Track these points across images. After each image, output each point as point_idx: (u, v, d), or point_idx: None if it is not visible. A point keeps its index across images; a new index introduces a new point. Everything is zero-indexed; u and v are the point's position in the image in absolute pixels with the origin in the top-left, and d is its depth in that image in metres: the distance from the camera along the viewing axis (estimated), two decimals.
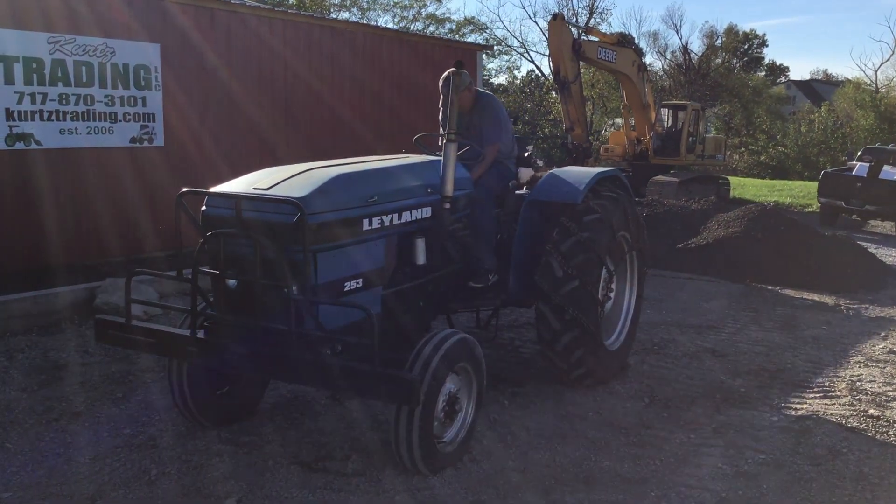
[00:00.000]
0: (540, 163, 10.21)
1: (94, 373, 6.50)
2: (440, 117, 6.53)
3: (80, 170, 9.38)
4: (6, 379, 6.29)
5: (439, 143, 5.86)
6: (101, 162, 9.57)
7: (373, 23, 46.68)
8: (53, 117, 9.03)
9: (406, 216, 5.32)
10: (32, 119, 8.82)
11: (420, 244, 5.55)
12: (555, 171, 6.58)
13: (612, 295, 6.77)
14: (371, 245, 5.05)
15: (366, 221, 4.93)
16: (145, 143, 10.02)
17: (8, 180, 8.73)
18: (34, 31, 8.76)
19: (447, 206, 5.57)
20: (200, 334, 4.78)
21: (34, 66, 8.77)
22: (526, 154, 7.10)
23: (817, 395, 6.37)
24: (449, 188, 5.53)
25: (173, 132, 10.30)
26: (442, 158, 5.60)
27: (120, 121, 9.74)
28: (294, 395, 6.04)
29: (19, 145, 8.74)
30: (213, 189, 4.86)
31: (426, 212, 5.53)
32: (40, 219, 9.03)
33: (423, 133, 6.87)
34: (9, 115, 8.60)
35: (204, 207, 4.83)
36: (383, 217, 5.08)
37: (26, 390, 6.06)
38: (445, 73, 6.02)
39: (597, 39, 21.52)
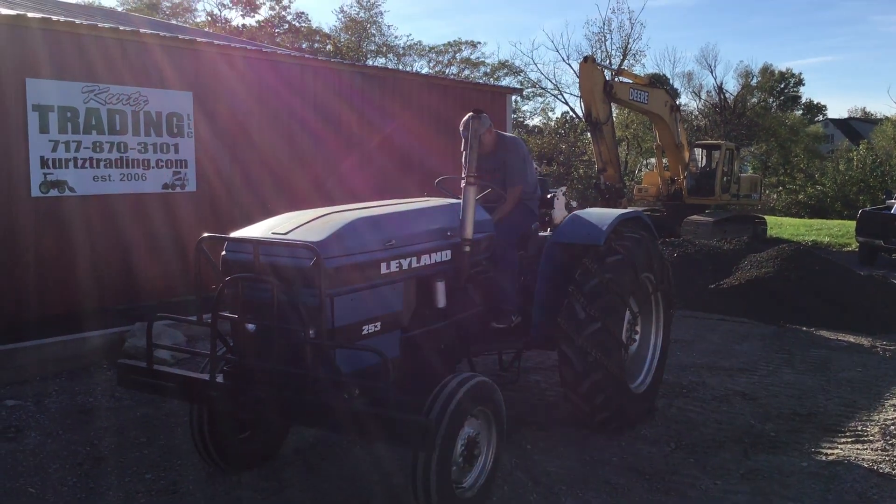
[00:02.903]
0: (574, 203, 10.18)
1: (120, 417, 6.55)
2: (462, 160, 6.56)
3: (113, 216, 9.54)
4: (33, 424, 6.36)
5: (460, 186, 5.87)
6: (135, 208, 9.74)
7: (408, 68, 47.31)
8: (87, 165, 9.22)
9: (425, 259, 5.33)
10: (67, 167, 9.01)
11: (440, 287, 5.54)
12: (577, 212, 6.57)
13: (637, 337, 6.70)
14: (389, 288, 5.05)
15: (384, 265, 4.94)
16: (177, 189, 10.19)
17: (43, 226, 8.91)
18: (68, 81, 8.98)
19: (467, 248, 5.57)
20: (220, 379, 4.79)
21: (69, 114, 8.98)
22: (549, 196, 7.09)
23: (849, 439, 6.21)
24: (469, 231, 5.54)
25: (205, 178, 10.47)
26: (462, 201, 5.62)
27: (153, 167, 9.92)
28: (317, 439, 6.03)
29: (54, 192, 8.92)
30: (232, 234, 4.91)
31: (446, 255, 5.53)
32: (75, 264, 9.18)
33: (444, 176, 6.90)
34: (43, 162, 8.80)
35: (224, 252, 4.88)
36: (402, 260, 5.09)
37: (52, 435, 6.11)
38: (465, 117, 6.07)
39: (629, 81, 21.60)
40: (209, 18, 47.10)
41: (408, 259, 5.15)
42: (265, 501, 5.01)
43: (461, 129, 6.22)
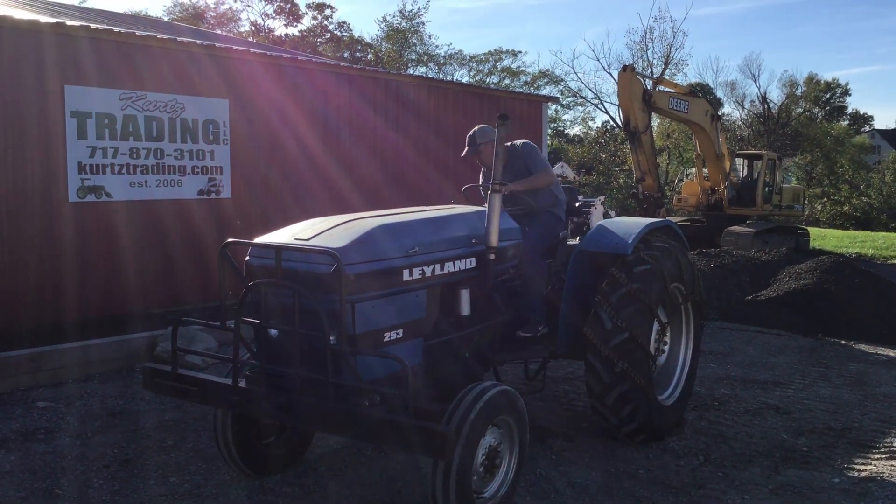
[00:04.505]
0: (612, 213, 10.13)
1: (148, 420, 6.61)
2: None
3: (149, 221, 9.67)
4: (62, 426, 6.44)
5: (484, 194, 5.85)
6: (170, 213, 9.84)
7: (449, 77, 47.43)
8: (124, 170, 9.35)
9: (449, 267, 5.29)
10: (104, 172, 9.15)
11: (464, 295, 5.50)
12: (605, 221, 6.50)
13: (666, 348, 6.61)
14: (412, 296, 5.02)
15: (406, 272, 4.92)
16: (212, 195, 10.29)
17: (81, 231, 9.04)
18: (106, 88, 9.12)
19: (492, 256, 5.54)
20: (242, 384, 4.81)
21: (106, 121, 9.12)
22: (577, 204, 7.04)
23: (883, 455, 6.06)
24: (494, 239, 5.50)
25: (240, 184, 10.57)
26: (487, 209, 5.59)
27: (189, 174, 10.03)
28: (341, 444, 6.02)
29: (91, 197, 9.06)
30: (255, 240, 4.94)
31: (471, 262, 5.49)
32: (112, 267, 9.32)
33: (470, 184, 6.88)
34: (81, 168, 8.94)
35: (247, 258, 4.91)
36: (425, 268, 5.06)
37: (80, 437, 6.19)
38: (470, 132, 6.11)
39: (669, 90, 21.44)
40: (253, 28, 47.77)
41: (431, 266, 5.12)
42: None
43: (468, 141, 6.35)
